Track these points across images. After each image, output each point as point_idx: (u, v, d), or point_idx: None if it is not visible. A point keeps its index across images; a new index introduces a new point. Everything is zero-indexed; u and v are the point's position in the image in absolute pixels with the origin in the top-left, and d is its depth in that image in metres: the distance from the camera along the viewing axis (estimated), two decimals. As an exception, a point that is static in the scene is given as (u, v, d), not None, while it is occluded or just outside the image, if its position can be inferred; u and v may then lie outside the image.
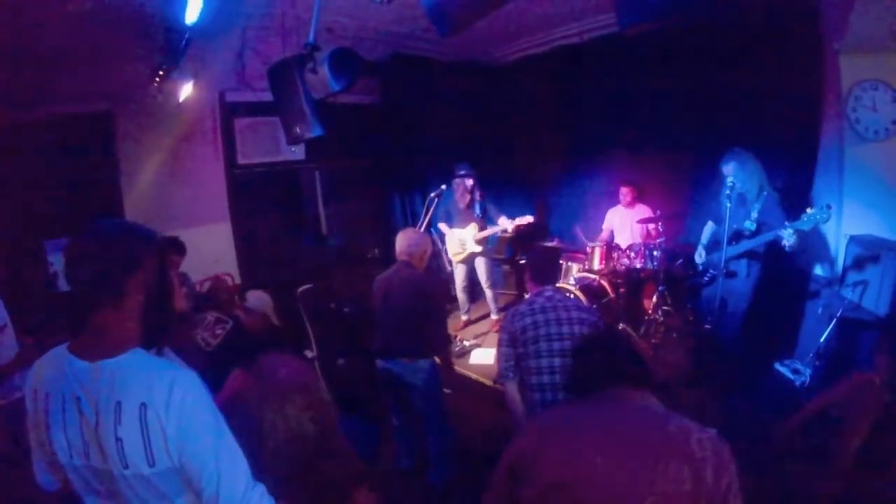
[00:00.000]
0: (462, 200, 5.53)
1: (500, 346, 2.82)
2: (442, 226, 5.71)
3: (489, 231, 5.55)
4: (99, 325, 1.26)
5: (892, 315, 3.31)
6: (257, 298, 3.52)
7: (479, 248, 5.62)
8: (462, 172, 5.46)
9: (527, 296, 2.92)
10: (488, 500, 1.61)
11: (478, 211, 5.54)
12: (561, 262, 5.79)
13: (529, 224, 5.47)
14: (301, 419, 1.56)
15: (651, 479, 1.31)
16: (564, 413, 1.66)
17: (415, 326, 3.19)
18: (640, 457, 1.36)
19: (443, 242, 5.85)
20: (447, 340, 3.54)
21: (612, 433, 1.44)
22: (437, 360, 3.39)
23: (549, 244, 5.92)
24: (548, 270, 2.94)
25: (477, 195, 5.53)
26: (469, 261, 5.76)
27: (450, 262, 5.94)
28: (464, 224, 5.59)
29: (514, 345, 2.73)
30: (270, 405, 1.55)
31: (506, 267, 6.94)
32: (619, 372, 1.58)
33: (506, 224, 5.43)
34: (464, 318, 6.08)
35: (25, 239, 3.98)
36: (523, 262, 5.91)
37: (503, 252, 6.78)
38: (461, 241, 5.61)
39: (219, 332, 3.30)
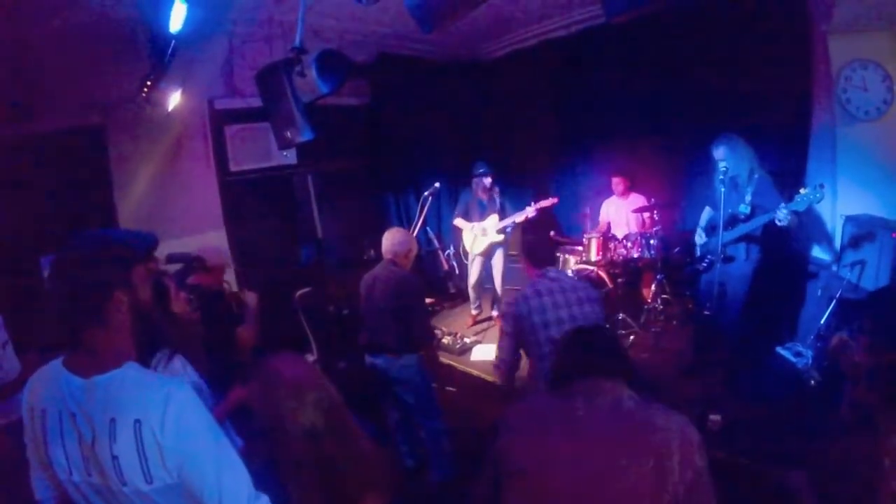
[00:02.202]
0: (483, 196, 5.61)
1: (503, 333, 2.88)
2: (458, 221, 5.76)
3: (511, 219, 5.56)
4: (88, 342, 1.24)
5: (875, 293, 3.31)
6: (216, 251, 3.28)
7: (500, 238, 5.66)
8: (481, 171, 5.51)
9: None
10: (475, 493, 1.68)
11: (497, 205, 5.61)
12: (558, 254, 5.81)
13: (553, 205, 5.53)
14: (314, 416, 1.57)
15: (614, 471, 1.36)
16: (536, 405, 1.72)
17: (397, 322, 3.26)
18: (604, 450, 1.41)
19: (448, 235, 5.85)
20: (430, 335, 3.61)
21: (580, 426, 1.48)
22: (423, 354, 3.45)
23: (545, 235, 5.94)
24: (545, 252, 3.06)
25: (496, 191, 5.62)
26: (488, 253, 5.78)
27: (465, 254, 5.99)
28: (482, 218, 5.65)
29: (518, 330, 2.75)
30: (286, 405, 1.56)
31: (515, 264, 6.89)
32: (592, 366, 1.61)
33: (525, 212, 5.46)
34: (474, 312, 6.08)
35: (22, 255, 3.95)
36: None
37: (514, 247, 6.76)
38: (482, 230, 5.64)
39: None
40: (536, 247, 3.05)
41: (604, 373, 1.59)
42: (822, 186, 3.43)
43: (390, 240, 3.44)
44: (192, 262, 3.77)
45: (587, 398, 1.53)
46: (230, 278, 3.57)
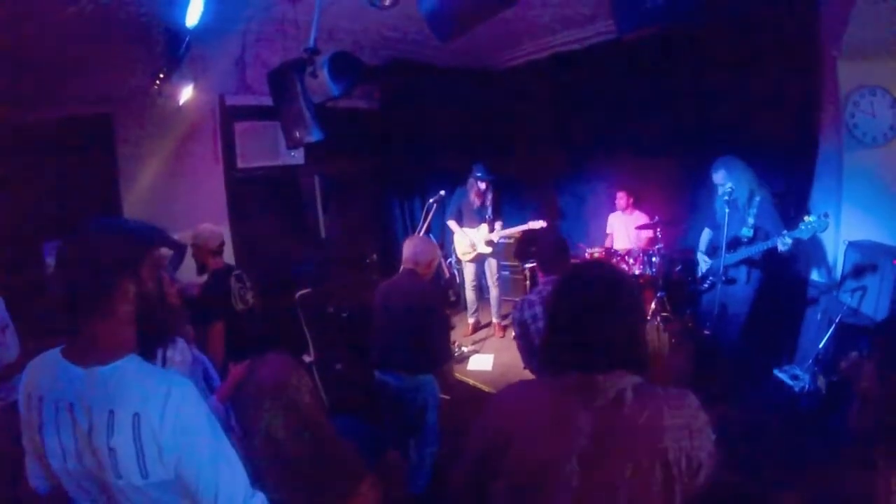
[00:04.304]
0: (475, 200, 5.59)
1: (515, 339, 2.90)
2: (452, 223, 5.74)
3: (499, 234, 5.59)
4: (90, 331, 1.22)
5: (883, 322, 3.30)
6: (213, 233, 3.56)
7: (488, 250, 5.66)
8: (478, 174, 5.49)
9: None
10: (457, 486, 1.50)
11: (489, 213, 5.59)
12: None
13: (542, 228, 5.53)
14: (272, 423, 1.57)
15: (619, 483, 1.22)
16: (529, 403, 1.41)
17: (415, 339, 3.06)
18: (608, 460, 1.24)
19: (449, 241, 5.87)
20: (448, 354, 3.45)
21: (580, 430, 1.27)
22: (440, 373, 3.28)
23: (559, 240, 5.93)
24: (558, 258, 2.94)
25: (489, 198, 5.59)
26: (479, 260, 5.78)
27: (458, 261, 5.99)
28: (475, 224, 5.63)
29: (526, 335, 2.75)
30: (250, 406, 1.58)
31: (514, 274, 6.87)
32: (587, 358, 1.32)
33: (515, 230, 5.53)
34: (471, 320, 6.05)
35: (25, 240, 3.97)
36: (533, 250, 5.93)
37: (510, 258, 6.76)
38: (472, 242, 5.63)
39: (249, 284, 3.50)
40: (547, 252, 3.02)
41: (602, 367, 1.30)
42: (826, 216, 3.43)
43: (412, 248, 3.23)
44: (181, 247, 3.87)
45: (583, 398, 1.29)
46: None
